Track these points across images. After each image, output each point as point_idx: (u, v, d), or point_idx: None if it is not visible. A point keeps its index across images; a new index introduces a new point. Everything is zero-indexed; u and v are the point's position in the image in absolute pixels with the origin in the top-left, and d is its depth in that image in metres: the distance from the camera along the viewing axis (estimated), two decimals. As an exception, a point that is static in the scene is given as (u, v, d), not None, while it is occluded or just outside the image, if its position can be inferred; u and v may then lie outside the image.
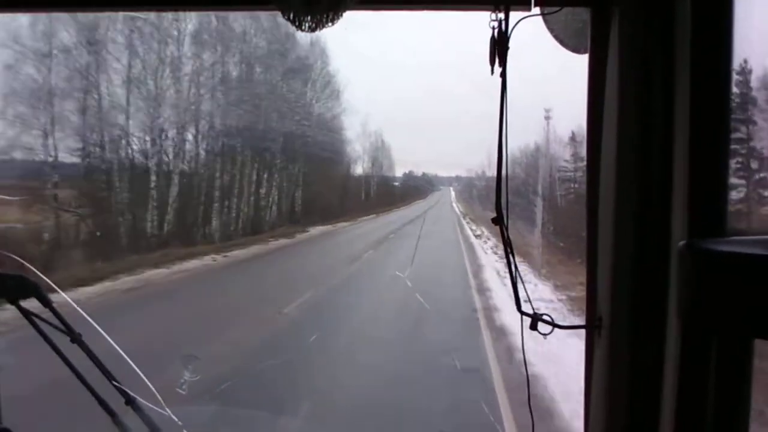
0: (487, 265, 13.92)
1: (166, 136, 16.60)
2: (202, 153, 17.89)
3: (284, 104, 18.88)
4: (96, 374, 1.31)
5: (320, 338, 7.39)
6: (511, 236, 1.02)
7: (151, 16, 14.65)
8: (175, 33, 16.27)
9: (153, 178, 16.15)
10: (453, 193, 33.45)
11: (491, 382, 6.14)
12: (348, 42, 21.15)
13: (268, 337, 7.66)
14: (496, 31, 0.94)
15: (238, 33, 17.84)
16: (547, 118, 17.45)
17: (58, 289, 1.59)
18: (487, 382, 6.15)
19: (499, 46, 0.94)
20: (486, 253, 15.99)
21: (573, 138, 16.70)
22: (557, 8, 1.01)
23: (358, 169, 26.04)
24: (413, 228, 19.11)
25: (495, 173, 0.98)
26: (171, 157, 16.79)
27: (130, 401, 1.33)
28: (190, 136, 17.44)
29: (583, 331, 1.05)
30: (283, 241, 18.02)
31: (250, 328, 8.05)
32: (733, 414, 0.83)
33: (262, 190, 19.26)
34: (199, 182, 17.74)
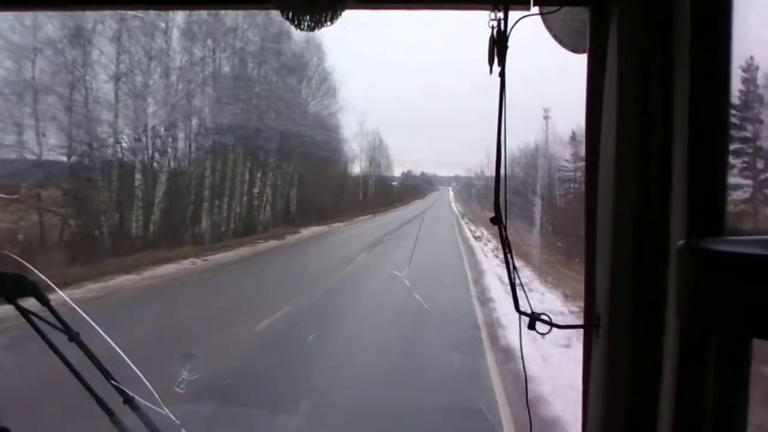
0: (489, 270, 13.32)
1: (154, 133, 16.41)
2: (192, 151, 17.74)
3: (278, 101, 18.73)
4: (94, 373, 1.34)
5: (294, 365, 6.38)
6: (509, 236, 1.05)
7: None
8: (163, 26, 16.14)
9: (138, 176, 15.94)
10: (452, 193, 33.57)
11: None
12: (347, 41, 21.20)
13: (230, 368, 6.18)
14: (495, 30, 0.96)
15: (229, 27, 17.73)
16: (546, 117, 17.55)
17: (57, 289, 1.61)
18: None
19: (498, 46, 0.96)
20: (486, 256, 15.59)
21: (573, 137, 16.76)
22: (556, 8, 1.03)
23: (356, 169, 26.10)
24: (411, 228, 18.96)
25: (494, 173, 1.01)
26: (158, 154, 16.64)
27: (128, 400, 1.36)
28: (178, 134, 17.30)
29: None
30: (272, 243, 17.67)
31: (210, 354, 6.26)
32: (731, 413, 0.85)
33: (255, 190, 19.15)
34: (188, 181, 17.56)
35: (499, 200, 1.00)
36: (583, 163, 1.12)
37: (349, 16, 0.97)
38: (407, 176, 30.35)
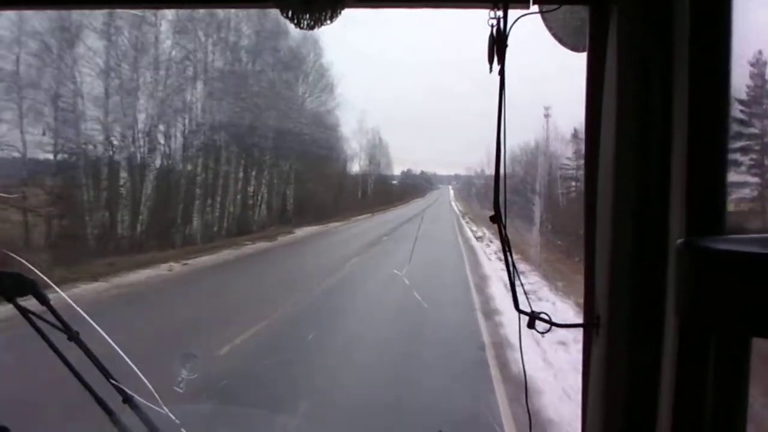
0: (492, 275, 12.50)
1: (142, 129, 16.22)
2: (183, 148, 17.53)
3: (274, 97, 18.55)
4: (93, 372, 1.37)
5: (264, 396, 5.54)
6: (509, 235, 1.07)
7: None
8: (152, 18, 15.85)
9: (123, 175, 15.68)
10: (452, 192, 33.67)
11: None
12: (347, 40, 21.22)
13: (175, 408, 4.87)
14: (494, 29, 0.99)
15: (222, 20, 17.52)
16: (547, 116, 17.63)
17: (57, 288, 1.64)
18: None
19: (498, 44, 0.99)
20: (490, 259, 14.87)
21: (575, 135, 16.78)
22: (556, 6, 1.06)
23: (355, 167, 26.15)
24: (410, 227, 18.77)
25: (494, 171, 1.03)
26: (146, 152, 16.39)
27: (127, 399, 1.40)
28: (168, 130, 17.06)
29: None
30: (261, 245, 17.16)
31: (161, 383, 3.76)
32: (730, 412, 0.87)
33: (250, 188, 18.98)
34: (178, 179, 17.36)
35: (498, 199, 1.03)
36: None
37: (348, 14, 0.99)
38: (407, 175, 30.47)
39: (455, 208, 30.24)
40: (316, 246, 18.52)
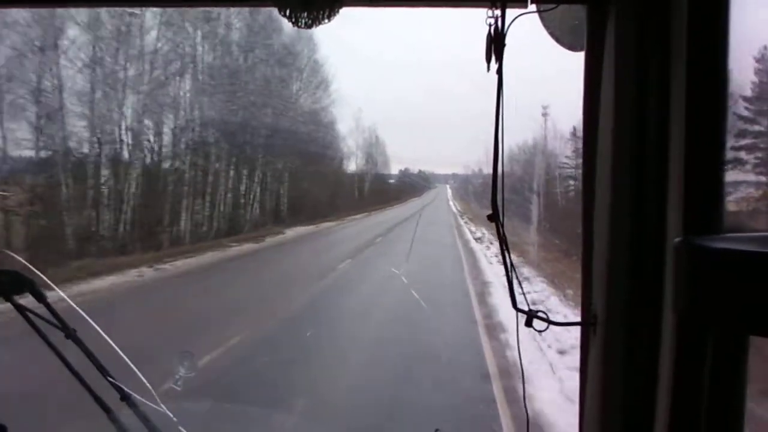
0: (495, 281, 11.69)
1: (127, 125, 15.91)
2: (171, 145, 17.33)
3: (267, 93, 18.39)
4: (91, 370, 1.40)
5: None
6: (507, 234, 1.09)
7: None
8: (138, 9, 15.49)
9: (105, 172, 15.34)
10: (450, 191, 33.84)
11: None
12: (345, 39, 21.28)
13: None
14: (492, 28, 1.01)
15: (213, 12, 17.13)
16: (545, 115, 17.81)
17: (54, 286, 1.66)
18: None
19: (496, 44, 1.01)
20: (491, 263, 14.23)
21: (574, 134, 16.88)
22: (553, 5, 1.08)
23: (352, 166, 26.26)
24: (407, 228, 18.56)
25: (491, 170, 1.05)
26: (130, 148, 16.07)
27: (125, 397, 1.42)
28: (154, 126, 16.81)
29: None
30: (246, 247, 16.61)
31: None
32: (728, 410, 0.89)
33: (242, 187, 18.86)
34: (165, 177, 17.03)
35: (496, 197, 1.05)
36: (585, 160, 1.16)
37: (346, 13, 1.01)
38: (404, 174, 30.66)
39: (453, 208, 30.35)
40: (305, 248, 17.90)
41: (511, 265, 1.06)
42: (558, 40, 1.13)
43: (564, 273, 11.85)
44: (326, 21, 1.00)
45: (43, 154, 14.75)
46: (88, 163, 15.29)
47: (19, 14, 13.09)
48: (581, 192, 1.13)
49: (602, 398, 1.04)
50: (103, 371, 1.40)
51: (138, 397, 1.43)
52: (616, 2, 1.02)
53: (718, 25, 0.92)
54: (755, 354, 0.89)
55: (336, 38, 21.33)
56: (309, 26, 1.00)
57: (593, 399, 1.07)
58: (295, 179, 20.73)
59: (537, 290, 10.72)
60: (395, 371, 6.74)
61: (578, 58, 1.10)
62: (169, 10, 16.08)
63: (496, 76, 1.03)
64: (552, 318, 1.05)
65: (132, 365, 1.66)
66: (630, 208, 1.00)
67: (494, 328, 8.33)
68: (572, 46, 1.13)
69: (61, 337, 1.39)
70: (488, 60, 1.02)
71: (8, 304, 1.36)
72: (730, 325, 0.84)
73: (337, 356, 7.45)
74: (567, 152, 18.07)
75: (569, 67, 1.16)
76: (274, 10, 1.03)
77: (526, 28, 1.05)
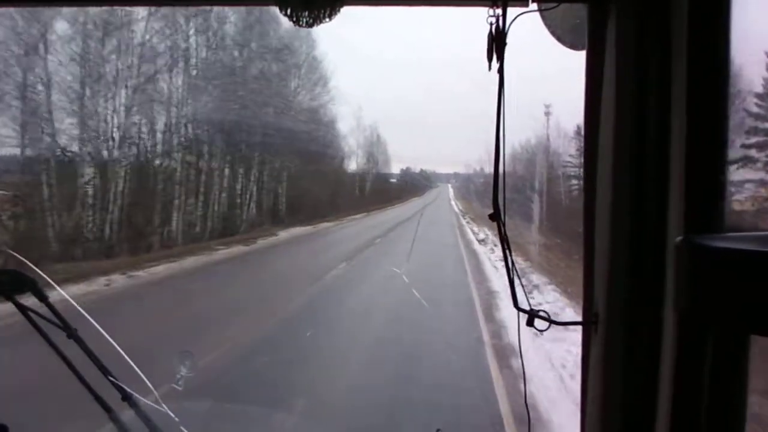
0: (502, 291, 10.23)
1: (114, 122, 15.38)
2: (162, 142, 16.92)
3: (264, 90, 18.17)
4: (92, 370, 1.42)
5: None
6: (509, 234, 1.11)
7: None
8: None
9: (89, 170, 14.84)
10: (451, 190, 33.92)
11: None
12: (345, 38, 21.32)
13: None
14: (493, 27, 1.03)
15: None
16: (547, 113, 17.83)
17: (56, 285, 1.68)
18: None
19: (497, 42, 1.03)
20: (496, 268, 13.25)
21: (578, 132, 16.87)
22: (554, 4, 1.10)
23: (352, 165, 26.29)
24: (408, 228, 18.33)
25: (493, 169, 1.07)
26: (118, 145, 15.51)
27: (126, 397, 1.44)
28: (144, 122, 16.32)
29: None
30: (236, 250, 15.71)
31: None
32: (729, 409, 0.91)
33: (238, 186, 18.58)
34: (155, 176, 16.64)
35: (497, 197, 1.06)
36: (588, 159, 1.17)
37: (347, 12, 1.03)
38: (406, 173, 30.77)
39: (455, 207, 30.37)
40: (297, 252, 17.03)
41: (512, 263, 1.08)
42: (559, 38, 1.15)
43: (576, 280, 11.10)
44: (327, 20, 1.02)
45: (27, 152, 14.40)
46: (74, 161, 14.89)
47: (3, 9, 12.49)
48: (582, 190, 1.15)
49: (603, 397, 1.05)
50: (105, 371, 1.42)
51: (139, 397, 1.45)
52: (617, 1, 1.04)
53: (719, 23, 0.93)
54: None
55: (336, 37, 21.34)
56: (310, 25, 1.01)
57: (594, 397, 1.08)
58: (294, 178, 20.54)
59: (549, 301, 9.98)
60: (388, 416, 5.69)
61: (579, 57, 1.11)
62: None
63: (497, 75, 1.04)
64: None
65: (133, 364, 1.67)
66: (631, 207, 1.02)
67: (503, 351, 7.13)
68: (573, 45, 1.15)
69: (63, 337, 1.42)
70: (489, 59, 1.03)
71: (10, 304, 1.38)
72: (730, 324, 0.85)
73: (327, 376, 6.53)
74: (571, 151, 18.11)
75: (570, 66, 1.18)
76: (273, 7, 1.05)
77: (527, 27, 1.06)
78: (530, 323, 1.06)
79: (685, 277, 0.88)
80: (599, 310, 1.07)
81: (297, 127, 19.63)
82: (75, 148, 15.07)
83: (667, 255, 0.97)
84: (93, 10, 14.48)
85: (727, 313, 0.83)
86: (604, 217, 1.05)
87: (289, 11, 1.00)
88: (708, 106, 0.94)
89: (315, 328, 8.28)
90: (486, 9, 1.03)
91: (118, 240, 14.96)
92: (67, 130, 14.93)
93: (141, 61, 15.82)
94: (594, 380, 1.09)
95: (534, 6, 1.09)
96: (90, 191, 14.88)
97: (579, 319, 1.13)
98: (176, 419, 1.51)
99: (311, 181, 21.65)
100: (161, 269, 12.95)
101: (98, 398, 1.41)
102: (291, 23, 1.03)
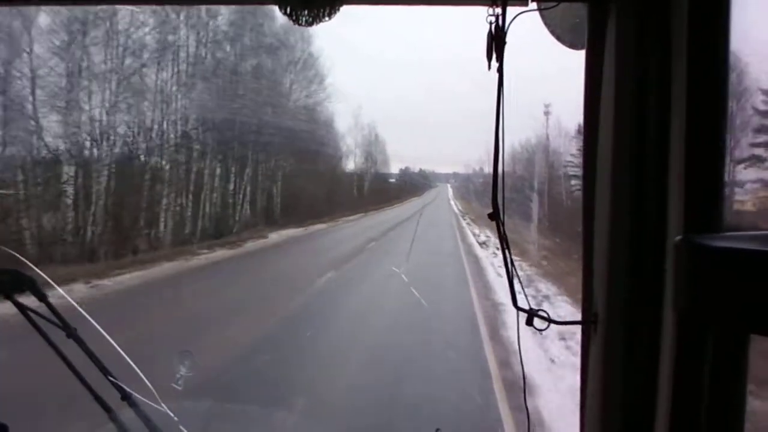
0: (508, 301, 8.20)
1: (97, 117, 14.81)
2: (148, 140, 16.39)
3: (258, 87, 17.86)
4: (92, 370, 1.43)
5: None
6: (510, 236, 1.12)
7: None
8: None
9: (67, 169, 14.32)
10: (450, 190, 33.94)
11: None
12: (346, 37, 21.30)
13: None
14: (493, 26, 1.04)
15: None
16: (547, 113, 17.84)
17: (55, 285, 1.69)
18: None
19: (496, 42, 1.04)
20: (499, 275, 11.82)
21: (579, 132, 16.84)
22: (554, 4, 1.11)
23: (350, 164, 26.22)
24: (407, 228, 18.08)
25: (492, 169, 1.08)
26: (100, 143, 14.97)
27: (126, 397, 1.45)
28: (132, 119, 15.76)
29: None
30: (219, 254, 14.74)
31: None
32: (728, 408, 0.92)
33: (231, 186, 18.23)
34: (141, 174, 16.10)
35: (496, 196, 1.08)
36: (589, 159, 1.18)
37: (347, 11, 1.04)
38: (405, 173, 30.78)
39: (455, 208, 30.37)
40: (286, 256, 16.25)
41: (512, 263, 1.09)
42: (559, 38, 1.16)
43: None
44: (327, 19, 1.03)
45: (11, 152, 13.81)
46: (54, 159, 14.33)
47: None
48: (582, 190, 1.16)
49: (603, 396, 1.06)
50: (104, 370, 1.44)
51: (139, 397, 1.47)
52: (617, 0, 1.05)
53: (719, 23, 0.94)
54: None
55: (337, 36, 21.28)
56: (310, 24, 1.02)
57: (594, 397, 1.09)
58: (290, 178, 20.20)
59: (562, 315, 9.52)
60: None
61: (579, 57, 1.12)
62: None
63: (496, 75, 1.05)
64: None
65: (132, 364, 1.68)
66: (630, 207, 1.03)
67: (513, 381, 6.13)
68: (573, 44, 1.16)
69: (62, 336, 1.43)
70: (489, 58, 1.04)
71: (9, 303, 1.39)
72: (730, 323, 0.86)
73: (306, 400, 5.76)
74: (572, 150, 18.13)
75: (570, 66, 1.19)
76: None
77: (526, 27, 1.08)
78: (530, 322, 1.08)
79: (684, 276, 0.89)
80: (599, 310, 1.08)
81: (292, 125, 19.31)
82: (55, 145, 14.45)
83: (667, 255, 0.98)
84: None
85: (727, 312, 0.84)
86: (604, 216, 1.06)
87: (288, 10, 1.02)
88: (708, 105, 0.95)
89: (305, 346, 7.38)
90: (486, 8, 1.04)
91: (100, 242, 14.34)
92: (46, 126, 14.32)
93: (125, 54, 15.37)
94: (593, 380, 1.10)
95: (533, 5, 1.10)
96: (69, 191, 14.32)
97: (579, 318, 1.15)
98: (176, 419, 1.52)
99: (308, 181, 21.34)
100: (130, 277, 11.57)
101: (98, 398, 1.42)
102: (282, 16, 1.04)
